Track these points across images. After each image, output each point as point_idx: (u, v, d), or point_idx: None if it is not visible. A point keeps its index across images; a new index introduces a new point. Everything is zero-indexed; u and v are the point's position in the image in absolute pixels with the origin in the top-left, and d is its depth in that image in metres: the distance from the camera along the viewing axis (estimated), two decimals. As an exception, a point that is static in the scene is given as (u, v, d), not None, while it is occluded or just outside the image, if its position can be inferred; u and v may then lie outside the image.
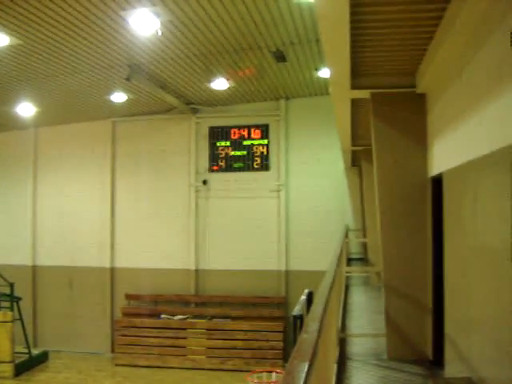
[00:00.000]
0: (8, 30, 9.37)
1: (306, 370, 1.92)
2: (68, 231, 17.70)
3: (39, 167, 18.20)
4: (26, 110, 14.89)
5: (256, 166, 16.47)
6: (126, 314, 16.69)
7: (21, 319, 15.10)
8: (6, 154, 18.39)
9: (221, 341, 15.33)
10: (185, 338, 15.61)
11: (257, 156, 16.47)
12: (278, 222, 16.25)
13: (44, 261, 17.86)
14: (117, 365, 15.82)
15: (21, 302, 15.29)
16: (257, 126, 16.49)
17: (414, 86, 6.46)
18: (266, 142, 16.43)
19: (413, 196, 6.44)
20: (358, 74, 6.40)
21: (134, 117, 17.10)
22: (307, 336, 2.46)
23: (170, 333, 15.70)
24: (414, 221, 6.43)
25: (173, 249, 16.95)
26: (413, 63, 6.11)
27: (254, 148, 16.49)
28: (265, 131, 16.45)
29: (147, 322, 16.11)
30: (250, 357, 15.06)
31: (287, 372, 1.95)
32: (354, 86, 6.52)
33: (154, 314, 16.50)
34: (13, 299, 15.07)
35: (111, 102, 14.75)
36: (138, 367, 15.52)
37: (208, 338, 15.45)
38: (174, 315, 16.26)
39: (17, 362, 14.65)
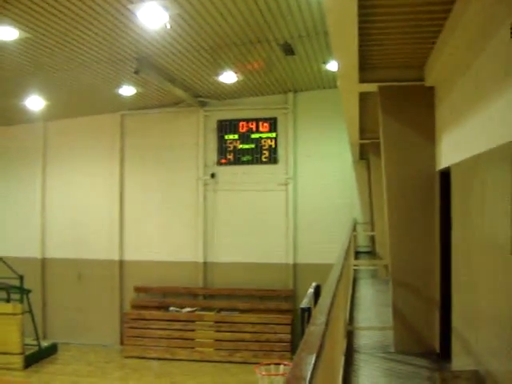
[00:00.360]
0: (17, 24, 9.41)
1: (313, 362, 1.94)
2: (77, 224, 17.79)
3: (48, 160, 18.27)
4: (34, 103, 14.92)
5: (264, 160, 16.45)
6: (134, 307, 16.80)
7: (30, 311, 15.22)
8: (16, 147, 18.46)
9: (229, 333, 15.40)
10: (193, 331, 15.70)
11: (265, 149, 16.45)
12: (286, 215, 16.24)
13: (53, 253, 17.97)
14: (125, 357, 15.93)
15: (30, 295, 15.40)
16: (265, 120, 16.47)
17: (422, 80, 6.42)
18: (274, 135, 16.41)
19: (421, 189, 6.42)
20: (366, 68, 6.38)
21: (142, 110, 17.12)
22: (315, 328, 2.47)
23: (178, 325, 15.79)
24: (422, 214, 6.42)
25: (181, 242, 17.00)
26: (421, 56, 6.08)
27: (262, 141, 16.47)
28: (273, 124, 16.43)
29: (156, 314, 16.22)
30: (257, 349, 15.12)
31: (295, 364, 1.97)
32: (361, 80, 6.50)
33: (163, 306, 16.60)
34: (22, 292, 15.18)
35: (120, 95, 14.76)
36: (147, 359, 15.61)
37: (216, 331, 15.53)
38: (182, 308, 16.35)
39: (26, 353, 14.79)
